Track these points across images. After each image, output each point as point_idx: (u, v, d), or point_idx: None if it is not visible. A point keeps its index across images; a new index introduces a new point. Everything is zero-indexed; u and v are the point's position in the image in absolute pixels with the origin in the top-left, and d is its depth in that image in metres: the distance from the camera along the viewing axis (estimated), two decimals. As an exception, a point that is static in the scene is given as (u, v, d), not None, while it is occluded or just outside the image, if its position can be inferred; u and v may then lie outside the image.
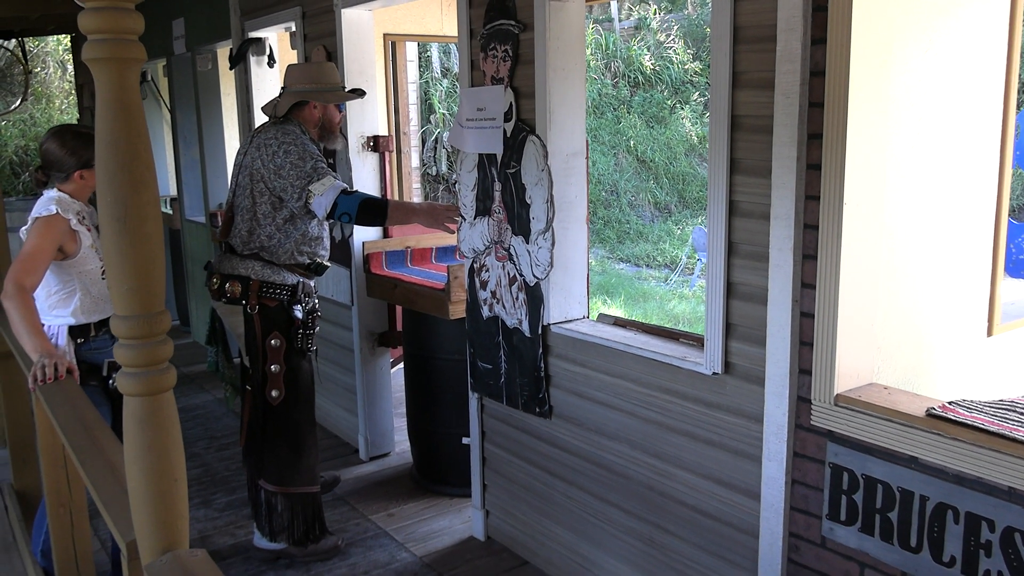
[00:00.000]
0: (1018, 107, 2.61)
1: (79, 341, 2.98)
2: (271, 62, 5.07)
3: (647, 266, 12.87)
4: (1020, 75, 2.60)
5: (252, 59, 5.05)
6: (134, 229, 1.31)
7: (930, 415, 1.90)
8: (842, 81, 1.98)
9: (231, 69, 5.18)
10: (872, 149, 2.06)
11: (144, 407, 1.39)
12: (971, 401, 1.98)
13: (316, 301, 3.42)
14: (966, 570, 1.86)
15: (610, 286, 11.23)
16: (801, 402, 2.18)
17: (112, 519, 1.69)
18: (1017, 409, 1.93)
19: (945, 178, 2.42)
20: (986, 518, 1.82)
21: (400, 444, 4.49)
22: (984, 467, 1.80)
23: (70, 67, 13.66)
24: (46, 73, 14.81)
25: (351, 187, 4.06)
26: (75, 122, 10.46)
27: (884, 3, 2.01)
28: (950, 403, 1.95)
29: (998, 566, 1.80)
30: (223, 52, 5.71)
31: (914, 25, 2.23)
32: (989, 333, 2.65)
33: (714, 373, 2.39)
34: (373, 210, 3.22)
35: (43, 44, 14.63)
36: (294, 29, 4.52)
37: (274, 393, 3.25)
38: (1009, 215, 2.67)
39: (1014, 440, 1.75)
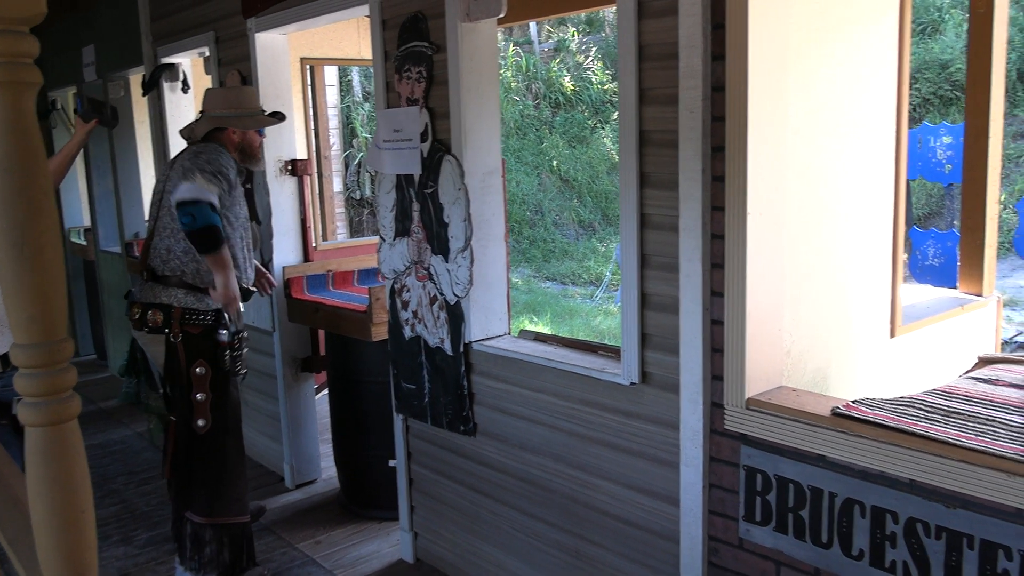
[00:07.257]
0: (915, 123, 2.75)
1: (-14, 377, 2.89)
2: (185, 88, 5.00)
3: (573, 283, 13.00)
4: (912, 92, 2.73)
5: (166, 85, 4.98)
6: (33, 255, 1.28)
7: (835, 414, 1.97)
8: (741, 95, 2.06)
9: (144, 96, 5.10)
10: (773, 161, 2.14)
11: (47, 437, 1.35)
12: (874, 399, 2.06)
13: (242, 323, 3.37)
14: (874, 562, 1.93)
15: (537, 304, 11.31)
16: (715, 407, 2.24)
17: (16, 556, 1.63)
18: (916, 404, 2.02)
19: (845, 188, 2.52)
20: (890, 510, 1.89)
21: (327, 470, 4.44)
22: (886, 461, 1.88)
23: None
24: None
25: (271, 213, 4.04)
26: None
27: (778, 21, 2.10)
28: (854, 402, 2.03)
29: (903, 556, 1.87)
30: (136, 79, 5.61)
31: (808, 42, 2.33)
32: (892, 335, 2.76)
33: (631, 383, 2.44)
34: (213, 239, 2.99)
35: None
36: (208, 54, 4.47)
37: (200, 423, 3.17)
38: (916, 223, 2.80)
39: (913, 435, 1.84)
